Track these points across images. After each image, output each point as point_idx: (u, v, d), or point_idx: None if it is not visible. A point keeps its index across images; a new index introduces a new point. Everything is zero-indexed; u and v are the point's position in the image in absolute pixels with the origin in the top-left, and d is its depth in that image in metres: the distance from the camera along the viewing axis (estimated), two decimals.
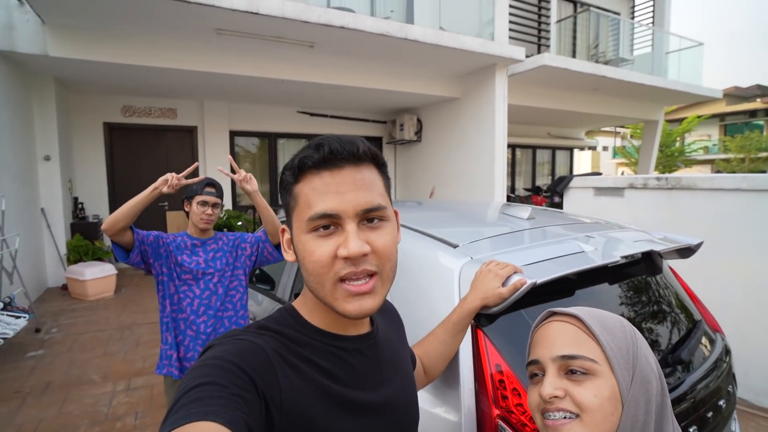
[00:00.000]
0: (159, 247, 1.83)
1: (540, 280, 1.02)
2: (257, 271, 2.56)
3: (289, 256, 0.66)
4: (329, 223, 0.58)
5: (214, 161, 7.14)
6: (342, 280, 0.59)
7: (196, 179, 1.86)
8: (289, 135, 8.06)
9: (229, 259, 1.97)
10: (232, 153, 7.47)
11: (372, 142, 9.11)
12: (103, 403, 2.90)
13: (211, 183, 1.91)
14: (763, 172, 19.21)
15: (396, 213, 0.68)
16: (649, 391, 0.60)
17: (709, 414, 1.24)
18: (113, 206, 6.71)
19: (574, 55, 8.44)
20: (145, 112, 6.70)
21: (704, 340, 1.41)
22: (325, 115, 8.09)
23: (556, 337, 0.65)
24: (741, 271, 2.98)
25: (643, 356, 0.62)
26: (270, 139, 7.91)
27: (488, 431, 1.02)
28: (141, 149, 6.95)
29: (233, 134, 7.45)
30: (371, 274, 0.60)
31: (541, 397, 0.62)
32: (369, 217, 0.60)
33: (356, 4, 5.63)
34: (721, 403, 1.30)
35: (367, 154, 0.62)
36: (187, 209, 1.94)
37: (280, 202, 0.70)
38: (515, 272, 1.03)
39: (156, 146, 7.05)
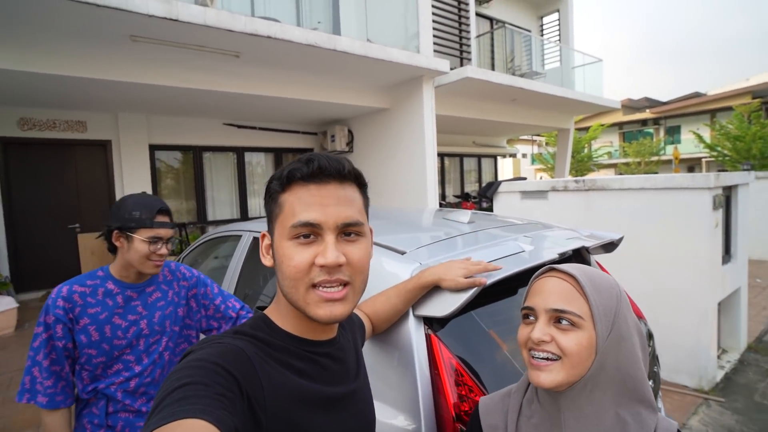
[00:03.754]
0: (69, 337, 1.25)
1: (489, 281, 1.04)
2: None
3: (267, 260, 0.70)
4: (310, 232, 0.63)
5: (133, 178, 6.58)
6: (314, 286, 0.64)
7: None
8: (215, 148, 7.67)
9: (178, 313, 1.42)
10: (153, 168, 6.94)
11: (303, 153, 8.97)
12: None
13: (165, 209, 1.33)
14: (656, 173, 21.78)
15: (371, 230, 0.73)
16: (624, 344, 0.70)
17: None
18: (12, 233, 5.90)
19: (493, 68, 8.99)
20: (48, 125, 6.01)
21: None
22: (254, 127, 7.82)
23: (552, 291, 0.73)
24: (648, 260, 3.31)
25: (622, 316, 0.72)
26: (195, 153, 7.47)
27: None
28: (45, 167, 6.20)
29: (153, 148, 6.93)
30: (344, 284, 0.65)
31: (531, 339, 0.72)
32: (347, 231, 0.66)
33: (282, 14, 5.54)
34: (650, 384, 1.41)
35: (351, 173, 0.68)
36: (117, 243, 1.29)
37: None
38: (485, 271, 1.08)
39: (63, 163, 6.34)
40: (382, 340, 1.13)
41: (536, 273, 0.80)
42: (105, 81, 4.60)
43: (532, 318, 0.75)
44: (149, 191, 6.74)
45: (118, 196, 6.56)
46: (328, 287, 0.63)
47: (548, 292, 0.73)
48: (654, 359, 1.55)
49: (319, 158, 0.65)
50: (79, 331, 1.25)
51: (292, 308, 0.68)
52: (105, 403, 1.29)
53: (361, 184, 0.71)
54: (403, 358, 1.07)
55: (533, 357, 0.72)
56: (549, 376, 0.69)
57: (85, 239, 6.48)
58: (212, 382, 0.52)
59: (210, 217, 7.67)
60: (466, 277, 1.04)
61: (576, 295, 0.71)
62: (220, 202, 7.88)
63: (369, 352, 1.14)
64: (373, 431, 0.81)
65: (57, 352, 1.23)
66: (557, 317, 0.71)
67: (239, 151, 7.95)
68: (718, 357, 3.63)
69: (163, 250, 1.30)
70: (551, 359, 0.70)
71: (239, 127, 7.67)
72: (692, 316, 3.16)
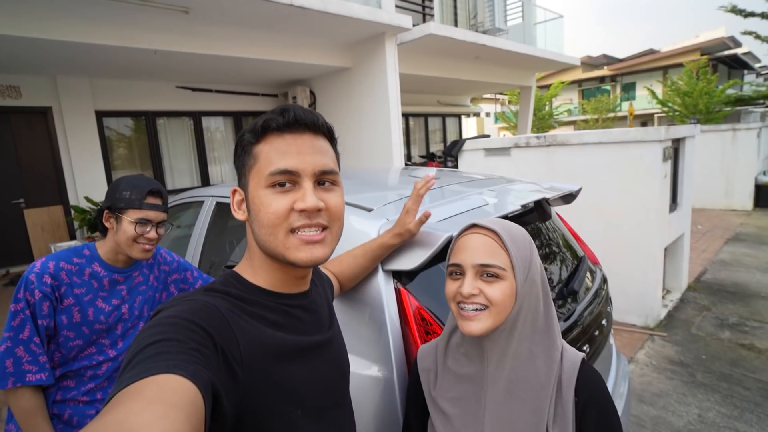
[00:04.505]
0: (53, 316, 1.19)
1: (455, 233, 1.07)
2: None
3: (240, 215, 0.70)
4: (287, 180, 0.64)
5: (80, 148, 6.15)
6: (293, 231, 0.65)
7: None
8: (169, 113, 7.26)
9: (156, 298, 1.39)
10: (102, 136, 6.51)
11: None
12: None
13: (156, 190, 1.27)
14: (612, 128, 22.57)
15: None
16: (534, 287, 0.79)
17: (596, 333, 1.45)
18: None
19: (456, 25, 8.83)
20: None
21: (588, 273, 1.63)
22: (210, 90, 7.43)
23: (477, 247, 0.78)
24: (603, 210, 3.49)
25: (535, 262, 0.81)
26: (147, 119, 7.04)
27: None
28: None
29: (101, 115, 6.46)
30: (323, 228, 0.67)
31: (460, 293, 0.78)
32: (323, 179, 0.67)
33: None
34: (603, 322, 1.53)
35: (324, 125, 0.70)
36: (107, 224, 1.25)
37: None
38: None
39: None
40: (353, 296, 1.16)
41: (459, 230, 0.84)
42: (37, 40, 4.20)
43: (458, 274, 0.80)
44: (100, 162, 6.36)
45: (66, 168, 6.16)
46: (307, 231, 0.65)
47: (473, 249, 0.78)
48: (607, 301, 1.67)
49: (294, 109, 0.66)
50: (62, 311, 1.19)
51: (266, 261, 0.69)
52: (55, 391, 1.24)
53: (332, 138, 0.73)
54: (374, 312, 1.10)
55: (462, 309, 0.78)
56: (479, 324, 0.76)
57: (32, 215, 6.11)
58: (186, 338, 0.51)
59: (169, 186, 7.36)
60: (416, 221, 1.07)
61: (498, 249, 0.78)
62: (179, 171, 7.57)
63: (341, 308, 1.16)
64: (347, 378, 0.84)
65: (40, 332, 1.16)
66: (483, 272, 0.77)
67: (196, 116, 7.57)
68: (663, 297, 3.95)
69: (152, 234, 1.24)
70: (479, 309, 0.77)
71: (194, 90, 7.27)
72: (641, 261, 3.40)
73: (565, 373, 0.78)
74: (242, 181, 0.69)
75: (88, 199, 6.01)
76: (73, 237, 6.30)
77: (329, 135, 0.72)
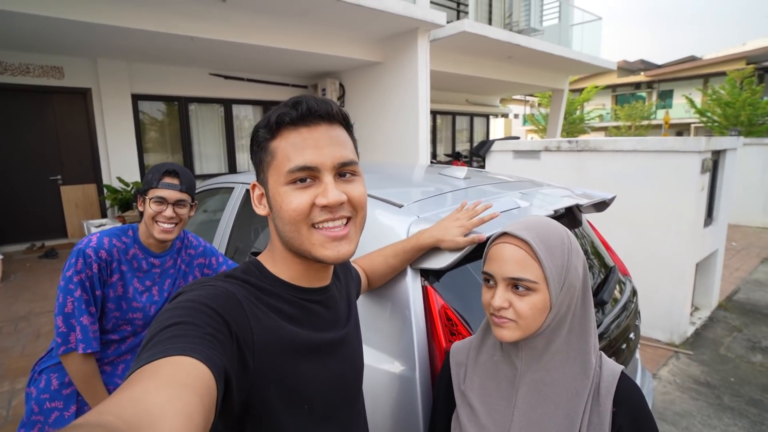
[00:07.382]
0: (101, 288, 1.28)
1: (487, 234, 1.05)
2: None
3: (261, 210, 0.69)
4: (307, 175, 0.63)
5: (115, 130, 6.34)
6: (314, 226, 0.64)
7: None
8: (201, 99, 7.40)
9: (183, 281, 1.46)
10: (136, 119, 6.70)
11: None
12: (0, 405, 2.56)
13: (172, 170, 1.31)
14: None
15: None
16: (572, 293, 0.75)
17: (623, 346, 1.41)
18: None
19: (490, 23, 8.70)
20: (22, 69, 5.69)
21: (618, 284, 1.58)
22: (241, 79, 7.54)
23: (508, 259, 0.75)
24: (633, 220, 3.38)
25: (573, 267, 0.76)
26: (180, 104, 7.20)
27: None
28: (20, 114, 5.93)
29: (136, 98, 6.65)
30: (347, 220, 0.66)
31: (491, 305, 0.76)
32: (343, 171, 0.65)
33: None
34: (631, 336, 1.48)
35: (339, 114, 0.67)
36: (140, 209, 1.33)
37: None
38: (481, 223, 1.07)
39: (41, 112, 6.07)
40: (379, 291, 1.15)
41: (492, 237, 0.80)
42: (81, 23, 4.34)
43: (491, 283, 0.78)
44: (133, 144, 6.54)
45: (101, 148, 6.37)
46: (330, 226, 0.64)
47: (504, 260, 0.75)
48: (636, 314, 1.62)
49: (307, 100, 0.63)
50: (110, 285, 1.29)
51: (288, 255, 0.68)
52: None
53: (348, 125, 0.70)
54: (396, 308, 1.10)
55: (493, 315, 0.77)
56: (509, 332, 0.75)
57: (67, 191, 6.35)
58: (202, 323, 0.51)
59: (197, 171, 7.53)
60: (464, 235, 1.04)
61: (530, 261, 0.74)
62: (208, 157, 7.72)
63: (367, 302, 1.16)
64: (360, 377, 0.82)
65: (96, 302, 1.26)
66: (514, 284, 0.75)
67: (226, 104, 7.70)
68: (691, 314, 3.81)
69: (169, 212, 1.28)
70: (510, 319, 0.75)
71: (226, 77, 7.39)
72: (671, 275, 3.28)
73: (604, 381, 0.75)
74: (261, 177, 0.68)
75: (120, 180, 6.20)
76: (104, 215, 6.52)
77: (345, 122, 0.69)
